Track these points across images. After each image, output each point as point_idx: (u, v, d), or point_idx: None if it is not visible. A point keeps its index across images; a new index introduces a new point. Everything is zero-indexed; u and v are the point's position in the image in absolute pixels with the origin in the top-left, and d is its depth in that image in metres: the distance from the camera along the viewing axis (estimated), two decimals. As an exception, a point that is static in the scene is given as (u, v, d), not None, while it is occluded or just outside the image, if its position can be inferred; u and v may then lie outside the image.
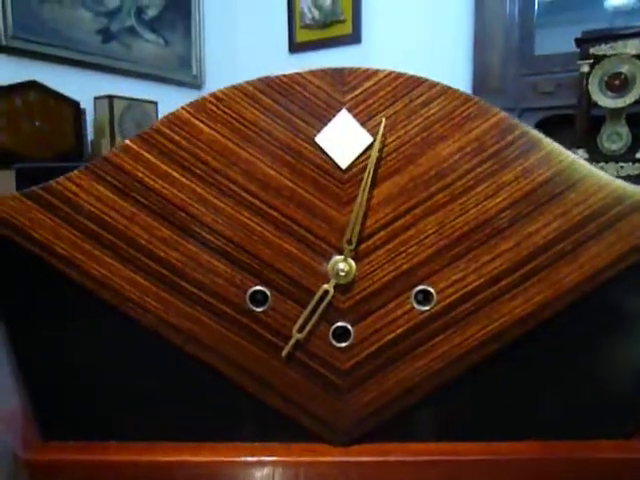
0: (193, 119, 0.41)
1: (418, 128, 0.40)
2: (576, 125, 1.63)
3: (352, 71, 0.40)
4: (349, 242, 0.40)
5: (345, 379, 0.43)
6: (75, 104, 1.69)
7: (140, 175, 0.41)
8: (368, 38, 2.19)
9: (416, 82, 0.40)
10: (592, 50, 1.57)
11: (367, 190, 0.40)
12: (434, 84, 0.40)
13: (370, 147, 0.40)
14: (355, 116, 0.40)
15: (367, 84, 0.40)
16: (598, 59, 1.57)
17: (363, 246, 0.41)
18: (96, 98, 1.81)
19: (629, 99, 1.55)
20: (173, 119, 0.41)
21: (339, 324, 0.42)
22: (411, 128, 0.40)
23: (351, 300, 0.42)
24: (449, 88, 0.40)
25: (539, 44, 1.92)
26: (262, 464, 0.44)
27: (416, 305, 0.42)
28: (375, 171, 0.40)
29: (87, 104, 1.77)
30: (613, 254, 0.41)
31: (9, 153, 1.48)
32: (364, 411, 0.43)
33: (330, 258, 0.41)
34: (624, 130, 1.61)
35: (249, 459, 0.44)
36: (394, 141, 0.40)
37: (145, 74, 2.08)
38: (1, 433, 0.49)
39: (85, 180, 0.41)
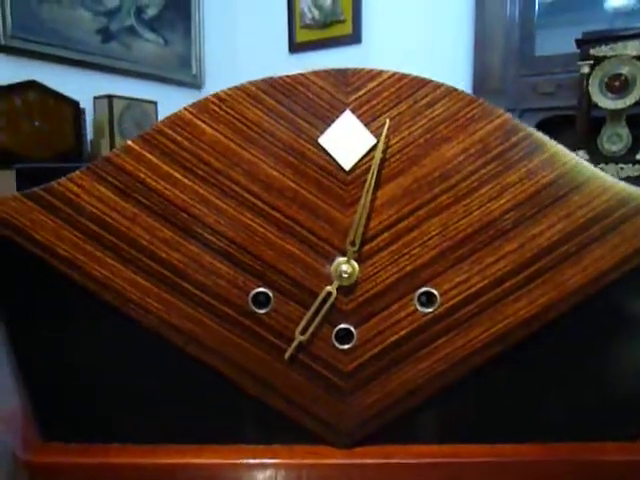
0: (195, 120, 0.40)
1: (422, 129, 0.40)
2: (576, 126, 1.63)
3: (356, 72, 0.40)
4: (352, 244, 0.40)
5: (348, 381, 0.43)
6: (75, 104, 1.68)
7: (142, 176, 0.41)
8: (368, 38, 2.18)
9: (420, 83, 0.40)
10: (592, 51, 1.57)
11: (371, 191, 0.39)
12: (439, 85, 0.40)
13: (374, 148, 0.40)
14: (359, 117, 0.40)
15: (371, 85, 0.40)
16: (598, 60, 1.57)
17: (366, 248, 0.41)
18: (95, 98, 1.81)
19: (629, 100, 1.55)
20: (175, 120, 0.41)
21: (342, 326, 0.42)
22: (415, 129, 0.40)
23: (354, 302, 0.42)
24: (454, 89, 0.39)
25: (539, 45, 1.93)
26: (264, 466, 0.44)
27: (419, 307, 0.42)
28: (379, 172, 0.40)
29: (87, 104, 1.77)
30: (617, 256, 0.41)
31: (8, 153, 1.48)
32: (367, 413, 0.43)
33: (333, 260, 0.41)
34: (624, 131, 1.61)
35: (251, 461, 0.44)
36: (398, 142, 0.40)
37: (145, 74, 2.08)
38: (1, 433, 0.49)
39: (86, 181, 0.41)
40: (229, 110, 0.40)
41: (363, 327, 0.42)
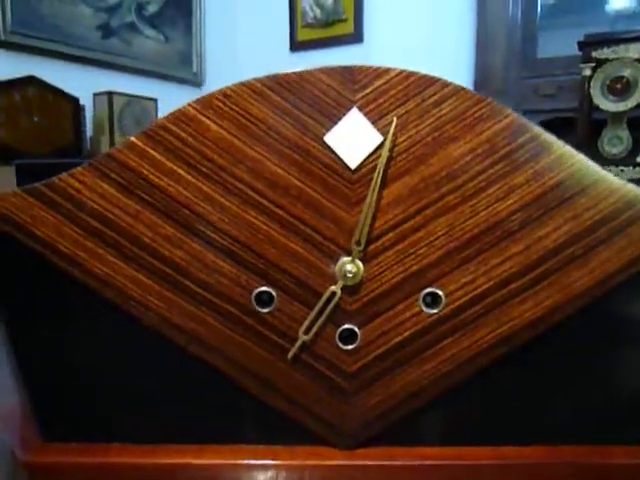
0: (200, 116, 0.40)
1: (429, 128, 0.39)
2: (577, 128, 1.63)
3: (363, 69, 0.39)
4: (358, 243, 0.40)
5: (351, 382, 0.42)
6: (74, 100, 1.67)
7: (145, 172, 0.40)
8: (370, 38, 2.18)
9: (428, 81, 0.39)
10: (594, 54, 1.57)
11: (377, 190, 0.39)
12: (446, 84, 0.39)
13: (380, 147, 0.39)
14: (365, 115, 0.39)
15: (378, 83, 0.39)
16: (600, 63, 1.57)
17: (371, 247, 0.40)
18: (95, 94, 1.80)
19: (630, 103, 1.55)
20: (179, 116, 0.40)
21: (346, 326, 0.41)
22: (422, 128, 0.39)
23: (358, 302, 0.41)
24: (462, 88, 0.39)
25: (541, 47, 1.92)
26: (265, 467, 0.43)
27: (424, 308, 0.41)
28: (385, 171, 0.40)
29: (86, 100, 1.76)
30: (624, 259, 0.40)
31: (7, 148, 1.47)
32: (370, 414, 0.43)
33: (338, 259, 0.41)
34: (625, 134, 1.60)
35: (252, 462, 0.44)
36: (405, 141, 0.40)
37: (145, 71, 2.07)
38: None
39: (89, 177, 0.40)
40: (234, 106, 0.40)
41: (367, 327, 0.42)
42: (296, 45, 2.30)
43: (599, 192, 0.40)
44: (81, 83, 1.78)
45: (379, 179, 0.39)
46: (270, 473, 0.43)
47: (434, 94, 0.39)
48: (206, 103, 0.40)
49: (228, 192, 0.40)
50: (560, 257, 0.40)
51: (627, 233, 0.40)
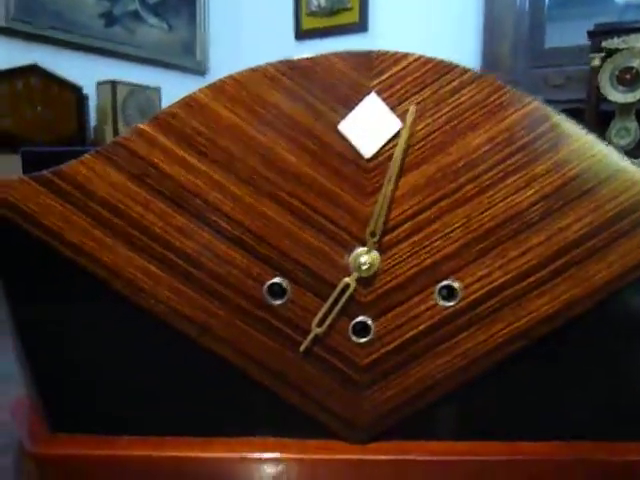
0: (211, 102, 0.39)
1: (448, 116, 0.38)
2: (584, 119, 1.61)
3: (380, 54, 0.38)
4: (372, 234, 0.39)
5: (364, 375, 0.42)
6: (77, 89, 1.66)
7: (155, 160, 0.39)
8: (375, 27, 2.15)
9: (447, 68, 0.38)
10: (604, 43, 1.55)
11: (393, 180, 0.38)
12: (465, 70, 0.38)
13: (397, 135, 0.38)
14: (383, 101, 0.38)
15: (395, 69, 0.38)
16: (610, 52, 1.55)
17: (387, 238, 0.40)
18: (99, 83, 1.78)
19: (639, 94, 1.53)
20: (190, 102, 0.39)
21: (359, 319, 0.41)
22: (440, 116, 0.38)
23: (373, 294, 0.40)
24: (481, 75, 0.38)
25: (549, 36, 1.90)
26: (275, 461, 0.43)
27: (440, 301, 0.40)
28: (401, 160, 0.38)
29: (89, 89, 1.74)
30: (645, 252, 0.39)
31: (11, 137, 1.46)
32: (383, 408, 0.42)
33: (352, 250, 0.40)
34: (633, 125, 1.58)
35: (262, 455, 0.43)
36: (422, 129, 0.38)
37: (148, 59, 2.05)
38: (8, 424, 0.48)
39: (98, 165, 0.39)
40: (245, 92, 0.39)
41: (381, 320, 0.41)
42: (301, 34, 2.28)
43: (621, 183, 0.39)
44: (84, 72, 1.76)
45: (396, 168, 0.38)
46: (280, 467, 0.43)
47: (453, 81, 0.38)
48: (217, 89, 0.39)
49: (240, 181, 0.39)
50: (580, 249, 0.39)
51: (648, 225, 0.39)
